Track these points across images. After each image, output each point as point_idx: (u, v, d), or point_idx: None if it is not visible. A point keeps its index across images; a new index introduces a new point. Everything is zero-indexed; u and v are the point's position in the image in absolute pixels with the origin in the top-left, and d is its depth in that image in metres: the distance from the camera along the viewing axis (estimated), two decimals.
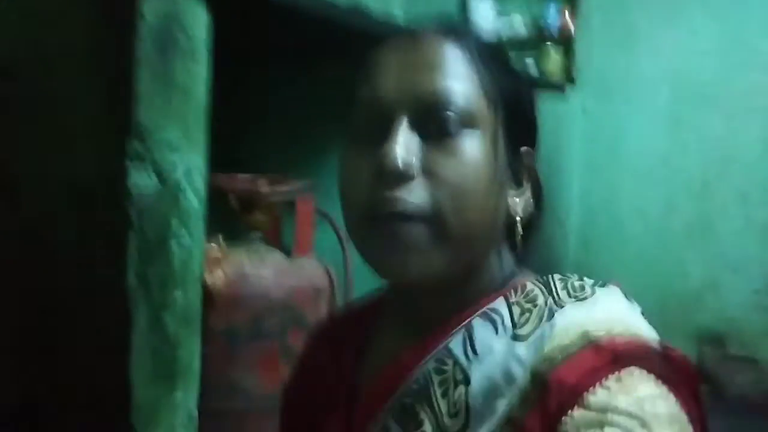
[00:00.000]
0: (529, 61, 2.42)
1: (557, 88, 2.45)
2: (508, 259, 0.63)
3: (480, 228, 0.57)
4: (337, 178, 0.61)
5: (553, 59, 2.44)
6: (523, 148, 0.62)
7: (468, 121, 0.56)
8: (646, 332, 0.56)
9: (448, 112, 0.56)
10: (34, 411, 1.08)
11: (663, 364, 0.52)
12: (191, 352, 1.11)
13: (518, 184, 0.62)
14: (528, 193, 0.62)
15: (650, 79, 2.47)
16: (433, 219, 0.55)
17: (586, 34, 2.55)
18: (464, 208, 0.55)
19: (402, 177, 0.54)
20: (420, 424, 0.57)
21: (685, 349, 0.56)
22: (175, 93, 0.99)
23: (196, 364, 1.13)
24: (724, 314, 2.36)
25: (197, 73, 1.01)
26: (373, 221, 0.56)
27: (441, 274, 0.57)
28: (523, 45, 2.60)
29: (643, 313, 0.59)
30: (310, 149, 2.24)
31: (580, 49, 2.55)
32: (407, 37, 0.59)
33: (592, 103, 2.59)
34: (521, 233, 0.60)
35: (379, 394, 0.60)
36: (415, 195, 0.55)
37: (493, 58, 0.61)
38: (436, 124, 0.56)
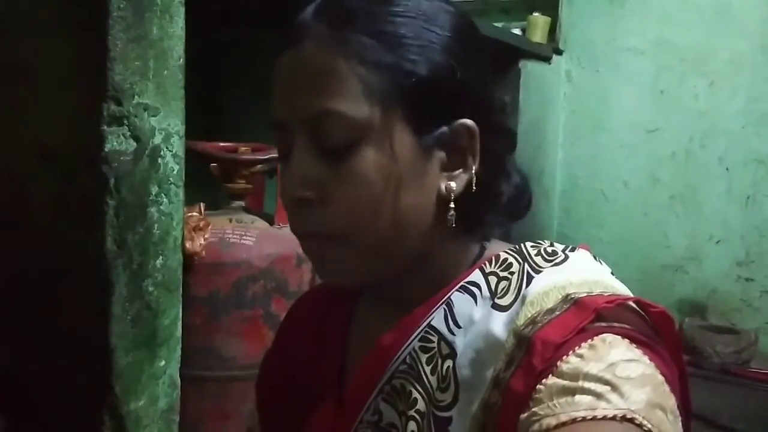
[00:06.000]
0: (516, 30, 2.40)
1: (543, 57, 2.43)
2: (471, 232, 0.62)
3: (395, 233, 0.56)
4: None
5: (540, 28, 2.42)
6: (457, 123, 0.57)
7: (355, 137, 0.54)
8: (624, 291, 0.56)
9: (333, 133, 0.54)
10: (15, 379, 1.07)
11: (640, 323, 0.52)
12: (173, 320, 1.10)
13: (456, 163, 0.58)
14: (471, 170, 0.58)
15: (635, 48, 2.45)
16: (344, 240, 0.55)
17: (572, 2, 2.53)
18: (367, 225, 0.55)
19: (298, 204, 0.55)
20: (414, 402, 0.57)
21: None
22: (151, 53, 0.97)
23: (177, 331, 1.12)
24: (706, 285, 2.38)
25: (173, 33, 0.99)
26: (301, 240, 0.59)
27: (375, 277, 0.58)
28: (509, 14, 2.59)
29: (612, 274, 0.59)
30: None
31: (565, 17, 2.53)
32: (292, 42, 0.57)
33: (577, 71, 2.57)
34: (453, 214, 0.57)
35: (366, 379, 0.60)
36: (313, 219, 0.55)
37: (395, 36, 0.55)
38: (326, 145, 0.55)
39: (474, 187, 0.58)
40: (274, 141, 0.60)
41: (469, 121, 0.57)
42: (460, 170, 0.58)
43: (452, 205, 0.57)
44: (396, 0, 0.56)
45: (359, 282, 0.60)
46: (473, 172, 0.58)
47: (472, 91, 0.58)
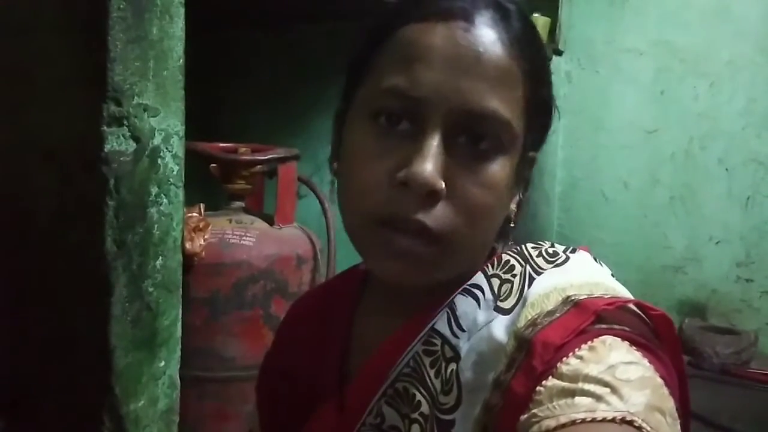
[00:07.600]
0: None
1: None
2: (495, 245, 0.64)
3: (485, 243, 0.58)
4: (345, 157, 0.57)
5: (540, 29, 2.42)
6: (531, 153, 0.59)
7: (503, 148, 0.53)
8: (624, 293, 0.56)
9: (489, 137, 0.52)
10: (15, 380, 1.07)
11: (640, 326, 0.52)
12: (172, 320, 1.10)
13: (517, 187, 0.60)
14: (522, 192, 0.61)
15: (635, 49, 2.45)
16: (447, 240, 0.53)
17: (572, 3, 2.53)
18: (478, 232, 0.54)
19: (428, 194, 0.51)
20: (417, 405, 0.57)
21: None
22: (151, 53, 0.96)
23: (177, 331, 1.12)
24: (706, 285, 2.38)
25: (173, 33, 0.99)
26: (385, 228, 0.53)
27: (441, 281, 0.58)
28: None
29: (612, 275, 0.60)
30: (293, 116, 2.21)
31: (565, 18, 2.53)
32: (460, 18, 0.51)
33: (577, 72, 2.57)
34: (513, 226, 0.60)
35: (369, 381, 0.60)
36: (436, 216, 0.52)
37: (534, 48, 0.55)
38: (470, 143, 0.52)
39: (518, 209, 0.61)
40: (387, 108, 0.53)
41: (536, 154, 0.61)
42: (516, 194, 0.60)
43: (512, 225, 0.60)
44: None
45: (430, 284, 0.57)
46: (522, 197, 0.61)
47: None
